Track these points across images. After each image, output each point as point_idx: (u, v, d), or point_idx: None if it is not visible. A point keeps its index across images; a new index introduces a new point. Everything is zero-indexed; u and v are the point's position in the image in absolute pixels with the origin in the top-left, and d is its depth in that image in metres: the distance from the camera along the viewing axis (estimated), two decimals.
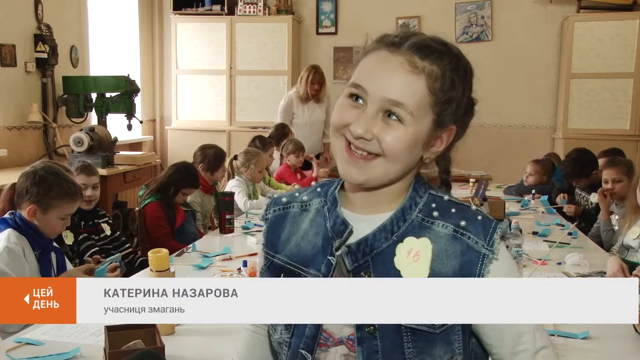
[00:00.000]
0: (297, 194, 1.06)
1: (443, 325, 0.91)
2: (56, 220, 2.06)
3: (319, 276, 0.96)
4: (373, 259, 0.93)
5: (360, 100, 0.91)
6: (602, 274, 2.34)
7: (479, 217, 0.95)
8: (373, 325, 0.92)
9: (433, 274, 0.91)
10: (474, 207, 0.97)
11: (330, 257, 0.96)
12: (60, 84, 4.61)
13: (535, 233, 3.13)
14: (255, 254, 2.52)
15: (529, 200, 4.10)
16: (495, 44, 6.01)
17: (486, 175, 4.99)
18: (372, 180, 0.92)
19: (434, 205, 0.96)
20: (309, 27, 6.38)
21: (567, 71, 5.64)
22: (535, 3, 5.94)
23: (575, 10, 5.67)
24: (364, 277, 0.93)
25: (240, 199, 3.73)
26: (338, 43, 6.29)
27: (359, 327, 0.93)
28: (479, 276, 0.91)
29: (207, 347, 1.61)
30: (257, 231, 3.05)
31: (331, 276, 0.95)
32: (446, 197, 0.97)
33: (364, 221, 0.96)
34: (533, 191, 4.22)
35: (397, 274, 0.92)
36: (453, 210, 0.95)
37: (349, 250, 0.94)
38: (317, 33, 6.35)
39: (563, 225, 3.38)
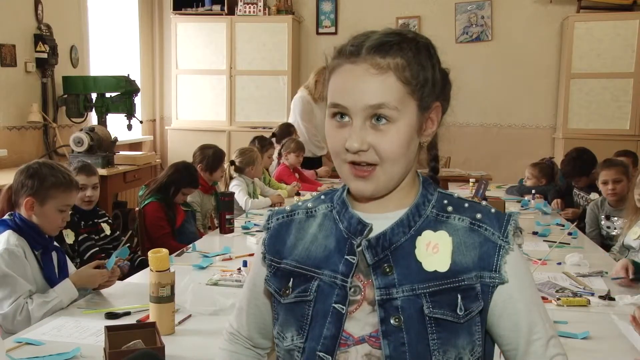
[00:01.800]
0: (300, 203, 1.08)
1: (467, 315, 0.93)
2: (55, 212, 2.05)
3: (336, 276, 0.96)
4: (392, 253, 0.95)
5: (346, 117, 0.93)
6: (601, 274, 2.34)
7: (492, 210, 0.99)
8: (399, 317, 0.92)
9: (454, 264, 0.94)
10: (484, 203, 1.02)
11: (348, 257, 0.97)
12: (60, 84, 4.61)
13: (535, 233, 3.13)
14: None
15: (529, 200, 4.10)
16: (495, 44, 6.00)
17: (486, 175, 5.00)
18: (380, 189, 0.95)
19: (445, 201, 0.99)
20: (309, 27, 6.38)
21: (567, 71, 5.64)
22: (535, 3, 5.93)
23: (575, 10, 5.66)
24: (386, 270, 0.94)
25: (241, 198, 3.74)
26: (338, 43, 6.21)
27: (384, 320, 0.93)
28: (497, 267, 0.94)
29: (207, 347, 1.61)
30: (257, 231, 3.05)
31: (352, 275, 0.96)
32: (456, 195, 1.01)
33: (378, 219, 0.97)
34: (533, 191, 4.23)
35: (418, 266, 0.94)
36: (466, 205, 0.99)
37: (369, 245, 0.95)
38: (317, 33, 6.35)
39: (563, 225, 3.38)
